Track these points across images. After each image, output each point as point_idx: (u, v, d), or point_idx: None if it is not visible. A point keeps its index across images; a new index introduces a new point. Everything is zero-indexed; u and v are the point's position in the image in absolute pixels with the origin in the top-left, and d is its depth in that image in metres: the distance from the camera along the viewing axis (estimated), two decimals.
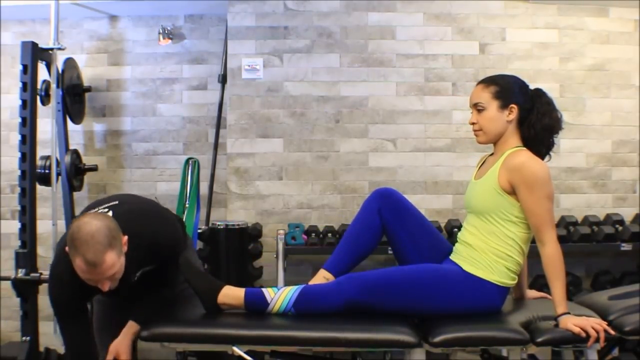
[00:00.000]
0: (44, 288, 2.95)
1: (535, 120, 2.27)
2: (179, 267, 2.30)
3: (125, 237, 2.05)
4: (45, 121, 3.76)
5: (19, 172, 3.46)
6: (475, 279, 2.22)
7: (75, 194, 3.95)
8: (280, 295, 2.19)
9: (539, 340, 2.09)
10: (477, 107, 2.31)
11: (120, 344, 2.22)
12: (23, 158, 3.45)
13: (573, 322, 2.09)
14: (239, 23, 3.89)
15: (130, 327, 2.24)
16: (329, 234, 3.63)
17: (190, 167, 3.79)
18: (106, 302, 2.48)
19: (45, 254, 3.79)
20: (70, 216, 3.84)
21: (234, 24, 3.90)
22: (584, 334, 2.07)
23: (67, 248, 1.99)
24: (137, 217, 2.21)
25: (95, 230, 1.94)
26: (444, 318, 2.17)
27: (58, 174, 3.71)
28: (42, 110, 3.65)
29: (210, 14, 4.18)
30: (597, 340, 2.08)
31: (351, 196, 3.89)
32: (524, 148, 2.28)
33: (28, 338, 3.36)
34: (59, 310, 2.17)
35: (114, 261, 1.97)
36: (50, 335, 3.62)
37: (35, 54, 3.49)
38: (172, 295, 2.38)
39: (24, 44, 3.48)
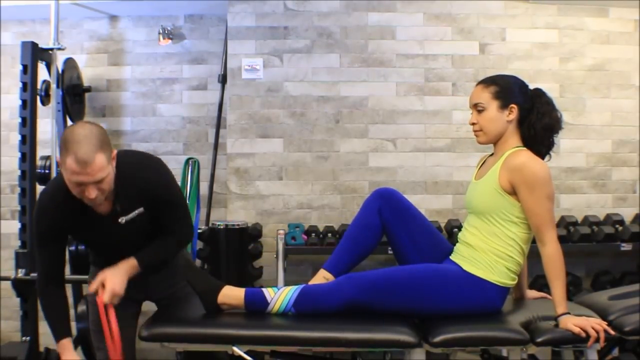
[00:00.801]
0: None
1: (535, 120, 2.27)
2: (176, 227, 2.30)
3: (115, 151, 2.08)
4: (45, 121, 3.76)
5: (19, 172, 3.47)
6: (475, 279, 2.22)
7: None
8: (280, 295, 2.19)
9: (539, 340, 2.09)
10: (477, 108, 2.31)
11: (114, 275, 2.13)
12: (23, 158, 3.45)
13: (573, 322, 2.09)
14: (239, 23, 3.89)
15: (130, 263, 2.18)
16: (329, 234, 3.62)
17: (190, 167, 3.78)
18: None
19: None
20: None
21: (234, 24, 3.90)
22: (584, 334, 2.07)
23: (59, 159, 2.01)
24: (130, 154, 2.26)
25: (89, 131, 1.99)
26: (444, 318, 2.17)
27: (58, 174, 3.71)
28: (42, 110, 3.64)
29: (210, 14, 4.18)
30: (597, 340, 2.08)
31: (351, 196, 3.89)
32: (524, 148, 2.28)
33: (28, 338, 3.37)
34: (40, 232, 2.17)
35: (104, 164, 1.98)
36: (50, 335, 3.60)
37: (35, 54, 3.49)
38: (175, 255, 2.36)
39: (24, 44, 3.49)
